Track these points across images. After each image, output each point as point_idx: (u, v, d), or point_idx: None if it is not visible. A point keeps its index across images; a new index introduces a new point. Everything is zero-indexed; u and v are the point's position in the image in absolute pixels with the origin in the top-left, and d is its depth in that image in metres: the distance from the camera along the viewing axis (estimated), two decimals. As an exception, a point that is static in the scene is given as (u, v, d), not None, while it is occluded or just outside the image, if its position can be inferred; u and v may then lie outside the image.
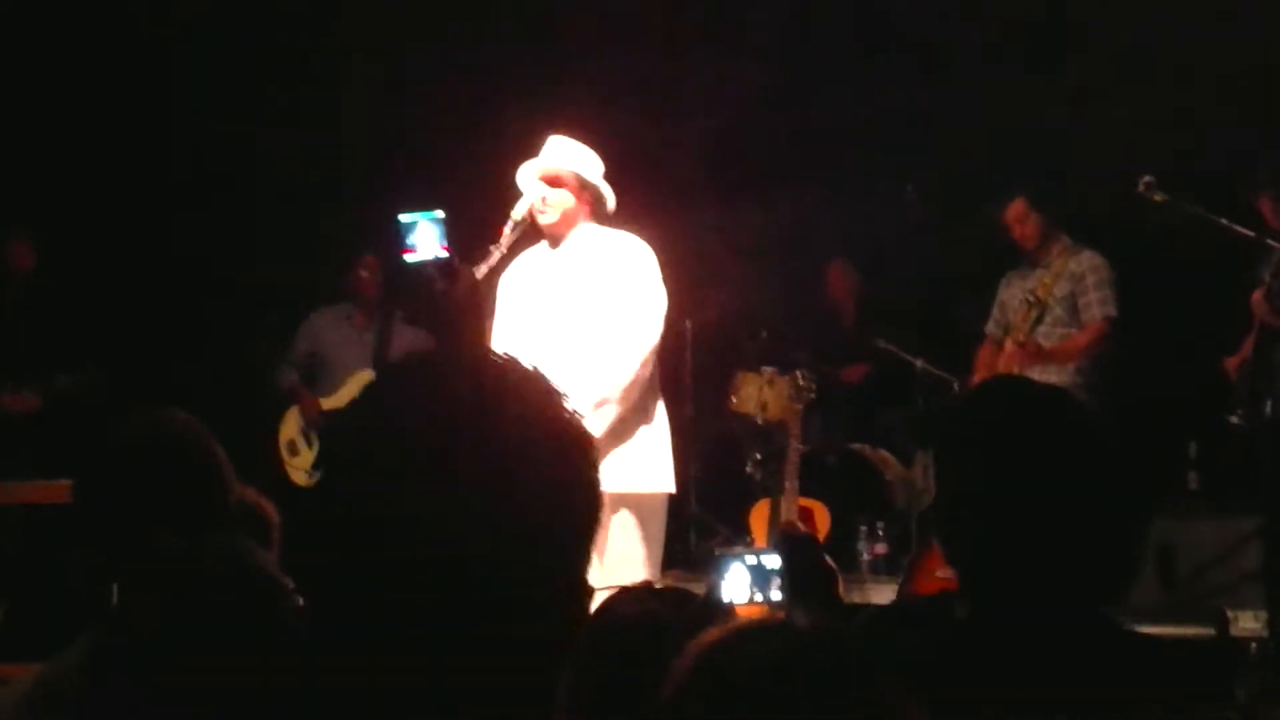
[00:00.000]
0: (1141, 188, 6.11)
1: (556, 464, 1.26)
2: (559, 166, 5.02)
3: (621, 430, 4.85)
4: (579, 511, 1.29)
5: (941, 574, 5.41)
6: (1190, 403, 6.60)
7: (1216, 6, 7.10)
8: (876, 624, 2.40)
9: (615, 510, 4.77)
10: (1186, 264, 6.73)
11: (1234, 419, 6.00)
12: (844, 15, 7.88)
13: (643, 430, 4.93)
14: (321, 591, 1.26)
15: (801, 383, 6.68)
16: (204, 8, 8.04)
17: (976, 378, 6.78)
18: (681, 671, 1.48)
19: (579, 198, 5.01)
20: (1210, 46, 6.91)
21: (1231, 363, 6.10)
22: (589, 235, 5.04)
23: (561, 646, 1.29)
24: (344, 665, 1.24)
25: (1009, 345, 6.64)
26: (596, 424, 4.71)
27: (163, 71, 8.01)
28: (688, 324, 7.64)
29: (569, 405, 1.30)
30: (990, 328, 7.07)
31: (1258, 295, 6.00)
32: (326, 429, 7.59)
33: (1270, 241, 5.92)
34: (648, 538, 4.88)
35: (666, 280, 5.03)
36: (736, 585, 3.36)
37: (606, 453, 4.77)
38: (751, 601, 3.30)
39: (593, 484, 1.29)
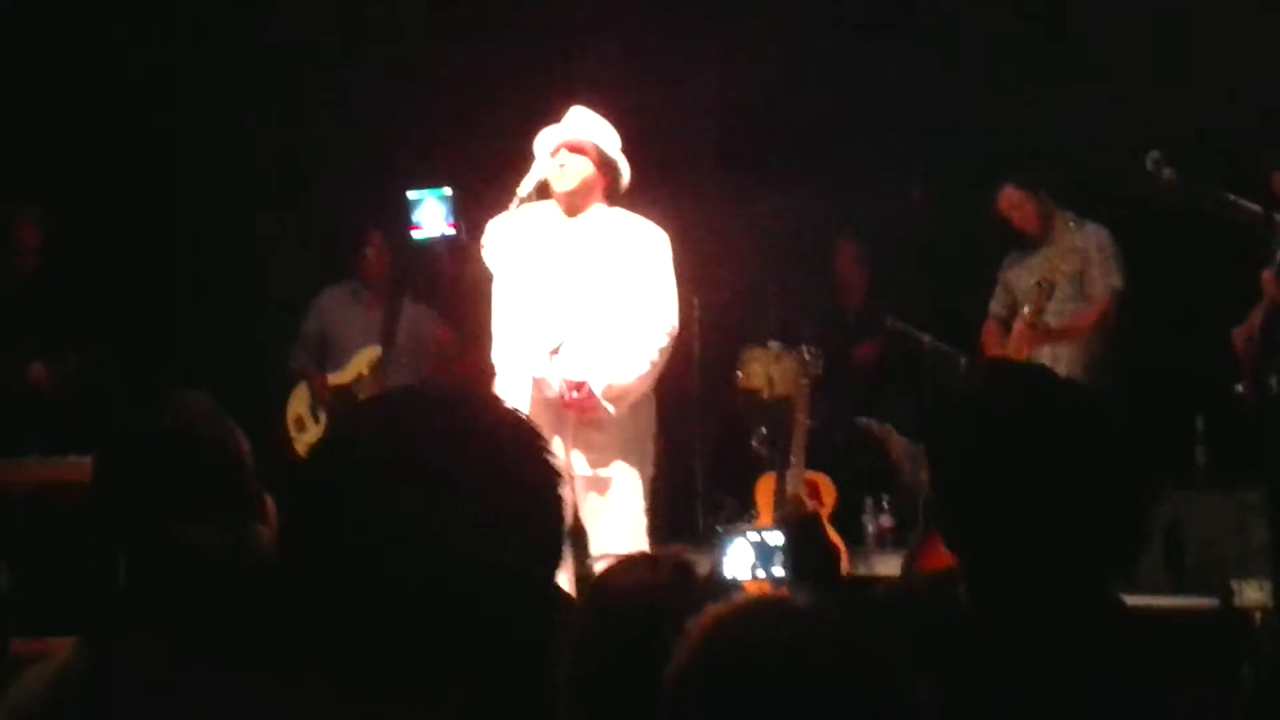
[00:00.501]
0: (1150, 164, 6.08)
1: (526, 503, 1.28)
2: (581, 136, 5.04)
3: (622, 415, 4.95)
4: (545, 551, 1.30)
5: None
6: (1197, 377, 6.58)
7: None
8: (881, 602, 2.41)
9: (601, 491, 4.86)
10: (1195, 239, 6.70)
11: (1240, 388, 5.99)
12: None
13: (636, 416, 5.04)
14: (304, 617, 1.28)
15: (809, 359, 6.68)
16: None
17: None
18: (685, 649, 1.49)
19: (599, 169, 5.04)
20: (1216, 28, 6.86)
21: (1239, 333, 6.08)
22: (611, 216, 5.09)
23: (537, 655, 1.31)
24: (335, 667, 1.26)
25: (1019, 326, 6.50)
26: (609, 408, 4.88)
27: (168, 49, 8.00)
28: (695, 301, 7.64)
29: (545, 446, 1.32)
30: (994, 308, 7.03)
31: (1268, 274, 5.97)
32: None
33: (1280, 218, 5.90)
34: (631, 514, 4.95)
35: (676, 256, 5.08)
36: (739, 562, 3.37)
37: (611, 434, 4.91)
38: (754, 578, 3.32)
39: (559, 520, 1.31)
